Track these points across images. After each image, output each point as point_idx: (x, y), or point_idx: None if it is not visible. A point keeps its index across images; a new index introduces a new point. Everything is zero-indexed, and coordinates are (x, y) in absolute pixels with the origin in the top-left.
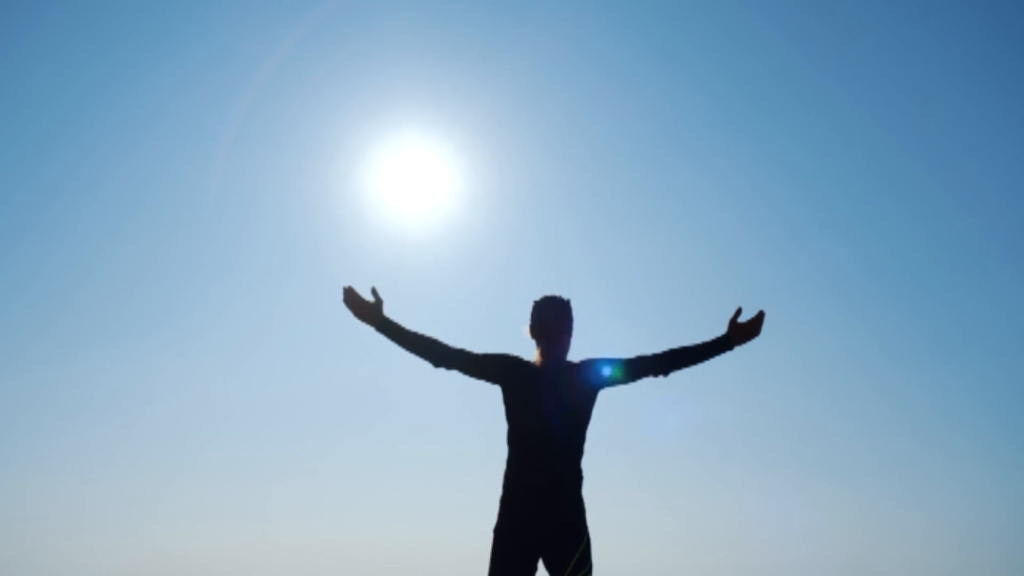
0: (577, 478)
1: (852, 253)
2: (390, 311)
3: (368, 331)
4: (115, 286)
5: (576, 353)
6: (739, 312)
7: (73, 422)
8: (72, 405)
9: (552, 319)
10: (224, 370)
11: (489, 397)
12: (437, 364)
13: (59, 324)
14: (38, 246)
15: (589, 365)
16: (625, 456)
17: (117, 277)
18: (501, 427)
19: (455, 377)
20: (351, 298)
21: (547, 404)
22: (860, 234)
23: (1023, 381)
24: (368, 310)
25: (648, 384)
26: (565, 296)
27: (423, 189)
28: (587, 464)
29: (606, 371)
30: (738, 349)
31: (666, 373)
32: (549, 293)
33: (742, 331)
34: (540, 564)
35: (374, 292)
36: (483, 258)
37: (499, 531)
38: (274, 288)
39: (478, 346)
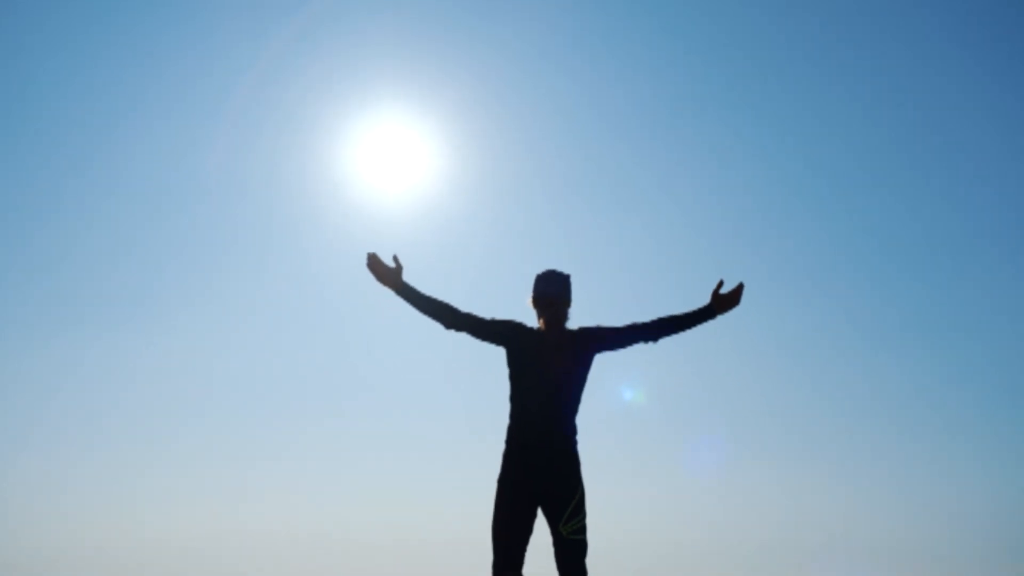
0: (572, 434)
1: (832, 236)
2: (366, 292)
3: (349, 310)
4: (92, 268)
5: (573, 323)
6: (721, 284)
7: (49, 405)
8: (49, 388)
9: (553, 291)
10: (201, 352)
11: (466, 381)
12: (448, 326)
13: (36, 307)
14: (15, 229)
15: (586, 332)
16: (610, 433)
17: (94, 259)
18: (476, 412)
19: (432, 361)
20: (374, 264)
21: (547, 366)
22: (840, 217)
23: (1003, 362)
24: (389, 275)
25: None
26: (565, 271)
27: (401, 167)
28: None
29: (601, 338)
30: (720, 322)
31: (656, 339)
32: (547, 268)
33: (724, 301)
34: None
35: (395, 259)
36: (462, 237)
37: (502, 481)
38: (252, 269)
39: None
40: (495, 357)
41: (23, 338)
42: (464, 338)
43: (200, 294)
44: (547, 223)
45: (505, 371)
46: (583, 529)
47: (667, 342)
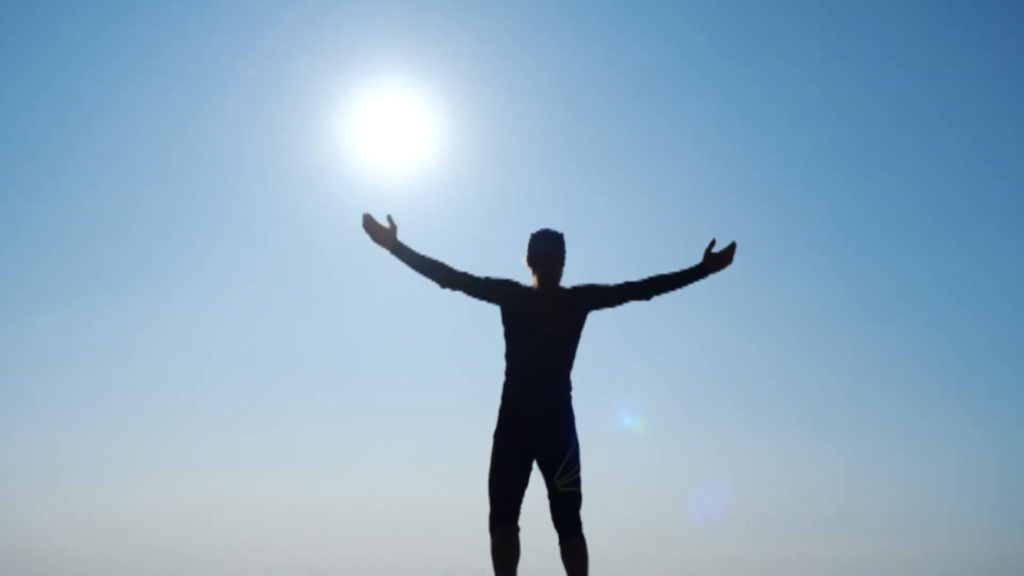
0: (567, 389)
1: (830, 208)
2: (366, 267)
3: (349, 284)
4: (90, 243)
5: (567, 282)
6: (713, 243)
7: (46, 376)
8: (46, 361)
9: (547, 249)
10: (200, 326)
11: (463, 354)
12: (443, 285)
13: (35, 277)
14: (16, 203)
15: (579, 290)
16: (617, 408)
17: (92, 234)
18: (466, 384)
19: (424, 333)
20: (369, 224)
21: (541, 323)
22: (838, 189)
23: (997, 331)
24: (384, 235)
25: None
26: (559, 230)
27: (401, 139)
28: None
29: (594, 295)
30: (721, 291)
31: (648, 297)
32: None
33: (716, 260)
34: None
35: (389, 219)
36: (461, 206)
37: (498, 436)
38: (252, 244)
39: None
40: (492, 321)
41: (21, 312)
42: (461, 306)
43: (199, 268)
44: (545, 191)
45: (500, 329)
46: (578, 482)
47: (666, 342)
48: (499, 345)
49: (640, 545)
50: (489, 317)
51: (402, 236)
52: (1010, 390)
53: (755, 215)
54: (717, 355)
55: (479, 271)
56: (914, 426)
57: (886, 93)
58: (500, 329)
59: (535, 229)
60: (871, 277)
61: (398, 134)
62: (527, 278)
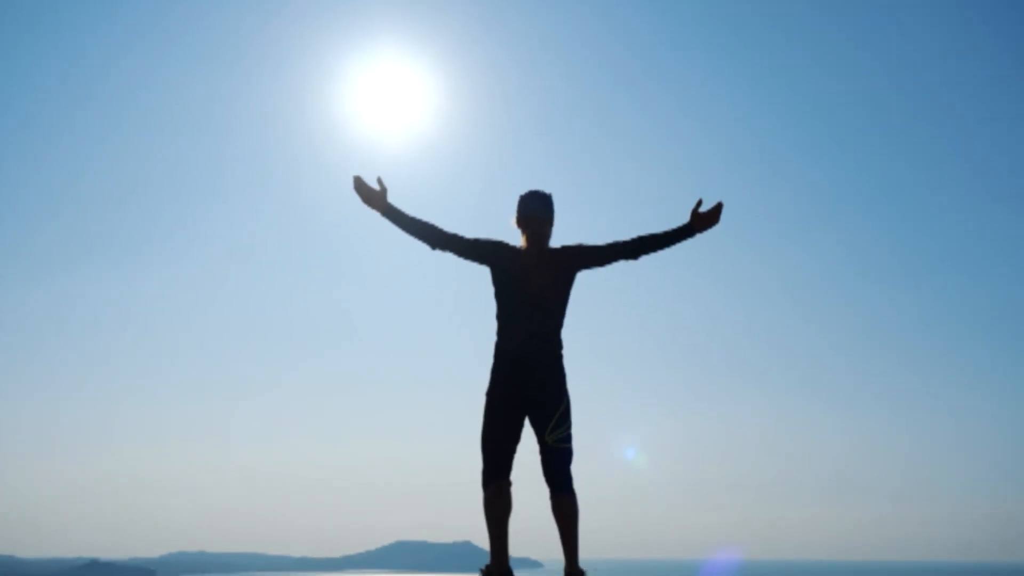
0: (557, 348)
1: (827, 175)
2: (364, 233)
3: (347, 249)
4: (89, 208)
5: (557, 242)
6: (700, 203)
7: (42, 343)
8: (45, 325)
9: (536, 209)
10: (195, 291)
11: (457, 318)
12: (434, 246)
13: (34, 245)
14: (16, 169)
15: (567, 250)
16: (621, 377)
17: (91, 199)
18: (459, 348)
19: (418, 298)
20: (360, 186)
21: (531, 283)
22: (836, 156)
23: (997, 297)
24: (375, 197)
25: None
26: (547, 191)
27: (398, 105)
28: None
29: (583, 255)
30: (715, 260)
31: (636, 256)
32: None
33: (703, 220)
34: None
35: (379, 181)
36: (458, 170)
37: (490, 395)
38: (247, 209)
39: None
40: (484, 284)
41: (17, 281)
42: (454, 272)
43: (194, 237)
44: (541, 155)
45: (491, 290)
46: (568, 438)
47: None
48: (490, 308)
49: (646, 506)
50: (481, 280)
51: (400, 200)
52: (1012, 358)
53: (752, 182)
54: (715, 321)
55: (477, 233)
56: (916, 394)
57: (892, 65)
58: (491, 291)
59: (531, 187)
60: (872, 245)
61: (396, 100)
62: (518, 240)
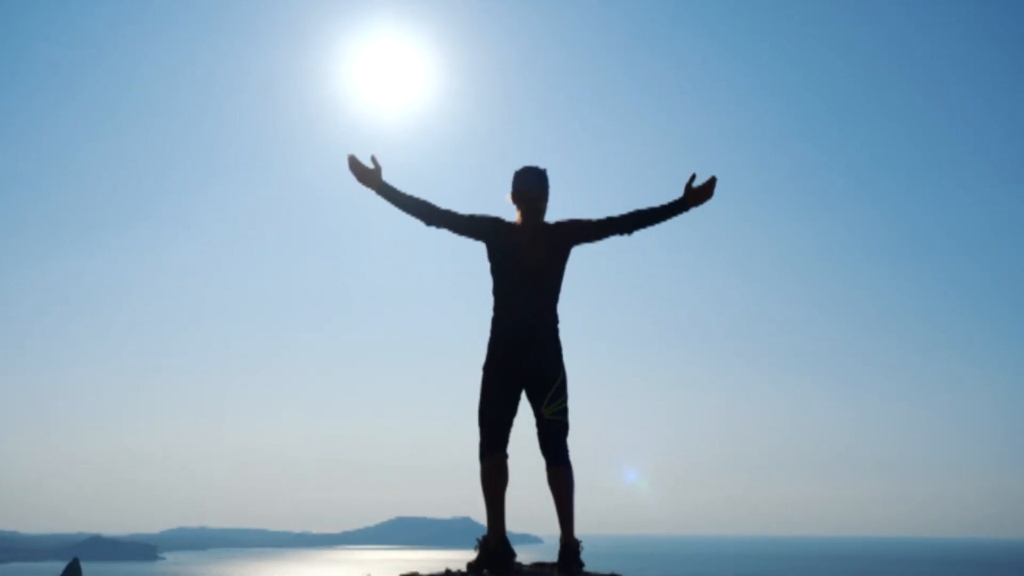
0: (553, 322)
1: (826, 152)
2: (362, 205)
3: (346, 226)
4: (91, 184)
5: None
6: (693, 177)
7: (44, 319)
8: (45, 302)
9: (530, 185)
10: (194, 266)
11: (455, 298)
12: (429, 223)
13: (33, 223)
14: (13, 142)
15: (562, 225)
16: (625, 356)
17: (93, 175)
18: (456, 325)
19: (415, 279)
20: (354, 165)
21: (526, 258)
22: (836, 134)
23: (996, 274)
24: (369, 175)
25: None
26: (542, 166)
27: (396, 81)
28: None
29: (577, 230)
30: (714, 233)
31: (630, 231)
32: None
33: (696, 194)
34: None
35: (373, 159)
36: (456, 149)
37: (487, 368)
38: (245, 185)
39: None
40: (480, 261)
41: (23, 252)
42: (451, 249)
43: (193, 212)
44: (539, 132)
45: (487, 266)
46: (565, 411)
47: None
48: (488, 284)
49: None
50: (478, 256)
51: (398, 176)
52: (1013, 335)
53: (751, 160)
54: (715, 299)
55: (474, 210)
56: (917, 372)
57: (888, 37)
58: (487, 267)
59: (529, 164)
60: (873, 223)
61: (394, 77)
62: (513, 215)
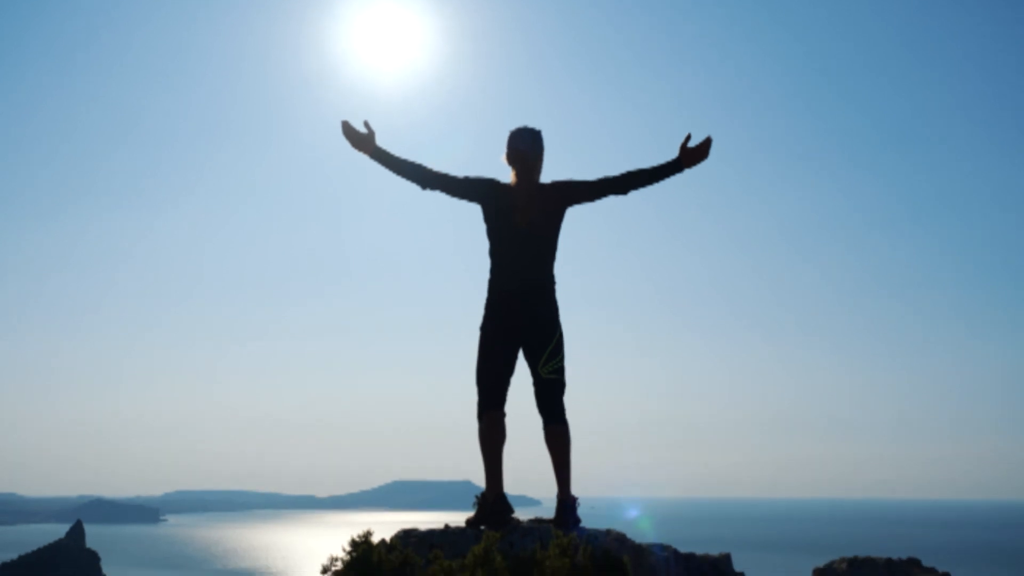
0: (549, 282)
1: (828, 119)
2: (359, 168)
3: (346, 190)
4: (89, 150)
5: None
6: (688, 138)
7: (45, 282)
8: (45, 266)
9: (525, 145)
10: (192, 231)
11: (447, 258)
12: (424, 186)
13: (33, 187)
14: (14, 106)
15: (557, 185)
16: (622, 319)
17: (90, 141)
18: (456, 290)
19: (413, 242)
20: (348, 130)
21: (521, 218)
22: (834, 97)
23: (997, 238)
24: (363, 140)
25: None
26: (537, 128)
27: (394, 45)
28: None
29: (572, 190)
30: (713, 202)
31: (625, 192)
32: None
33: (691, 155)
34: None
35: (366, 124)
36: (454, 113)
37: (484, 328)
38: (244, 149)
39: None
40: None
41: (23, 216)
42: (448, 211)
43: (192, 178)
44: (536, 93)
45: (483, 227)
46: (561, 370)
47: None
48: (485, 245)
49: (652, 443)
50: (475, 217)
51: (395, 138)
52: (1012, 298)
53: (750, 122)
54: (714, 262)
55: (471, 173)
56: (917, 334)
57: (887, 5)
58: (484, 228)
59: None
60: (873, 186)
61: (392, 39)
62: (509, 176)
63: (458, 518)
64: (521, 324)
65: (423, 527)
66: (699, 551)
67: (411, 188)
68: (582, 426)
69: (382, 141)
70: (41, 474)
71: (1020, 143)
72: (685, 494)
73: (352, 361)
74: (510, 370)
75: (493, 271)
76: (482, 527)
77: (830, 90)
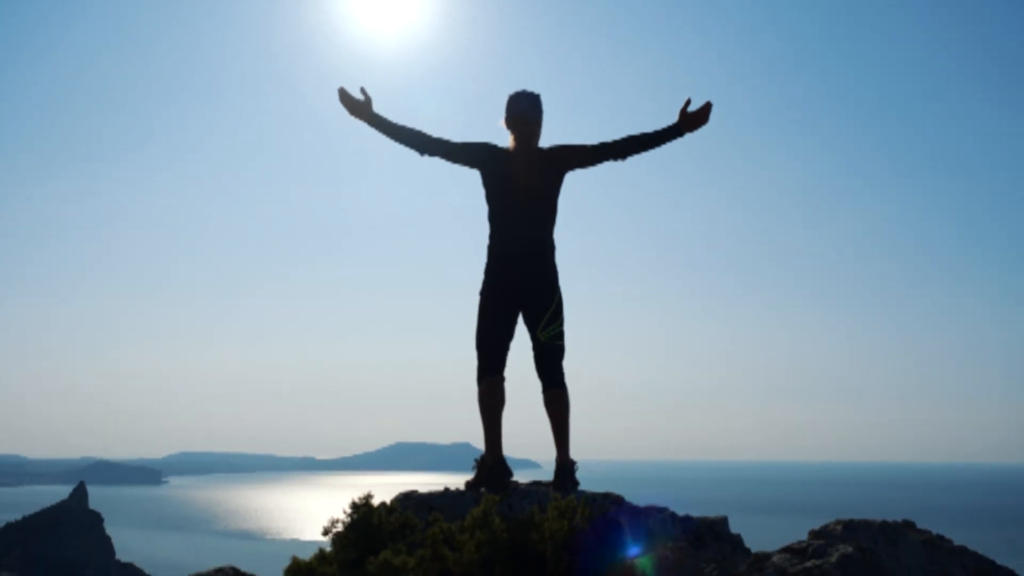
0: (549, 246)
1: (824, 80)
2: (359, 133)
3: (339, 153)
4: (91, 110)
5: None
6: (688, 102)
7: (46, 244)
8: (44, 228)
9: (523, 109)
10: (191, 193)
11: (444, 223)
12: (422, 152)
13: (31, 149)
14: (15, 70)
15: (555, 149)
16: (629, 288)
17: (93, 102)
18: (456, 254)
19: (413, 206)
20: (344, 97)
21: (520, 183)
22: (832, 62)
23: (998, 201)
24: (359, 107)
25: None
26: (536, 91)
27: (394, 8)
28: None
29: (570, 154)
30: (718, 171)
31: (624, 157)
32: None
33: (691, 119)
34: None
35: (363, 91)
36: (454, 76)
37: (484, 293)
38: (244, 113)
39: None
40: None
41: (20, 179)
42: (448, 176)
43: (192, 136)
44: (536, 57)
45: (483, 192)
46: (560, 335)
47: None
48: (484, 210)
49: (647, 409)
50: (474, 182)
51: (395, 101)
52: (1014, 262)
53: (750, 87)
54: (714, 225)
55: (470, 137)
56: (918, 299)
57: None
58: (483, 193)
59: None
60: (873, 150)
61: (391, 2)
62: (507, 141)
63: (458, 480)
64: (520, 289)
65: (423, 489)
66: (696, 513)
67: (410, 153)
68: (582, 390)
69: (381, 104)
70: (45, 436)
71: (1021, 102)
72: (682, 457)
73: (353, 324)
74: (510, 335)
75: (492, 236)
76: (481, 490)
77: (830, 52)
